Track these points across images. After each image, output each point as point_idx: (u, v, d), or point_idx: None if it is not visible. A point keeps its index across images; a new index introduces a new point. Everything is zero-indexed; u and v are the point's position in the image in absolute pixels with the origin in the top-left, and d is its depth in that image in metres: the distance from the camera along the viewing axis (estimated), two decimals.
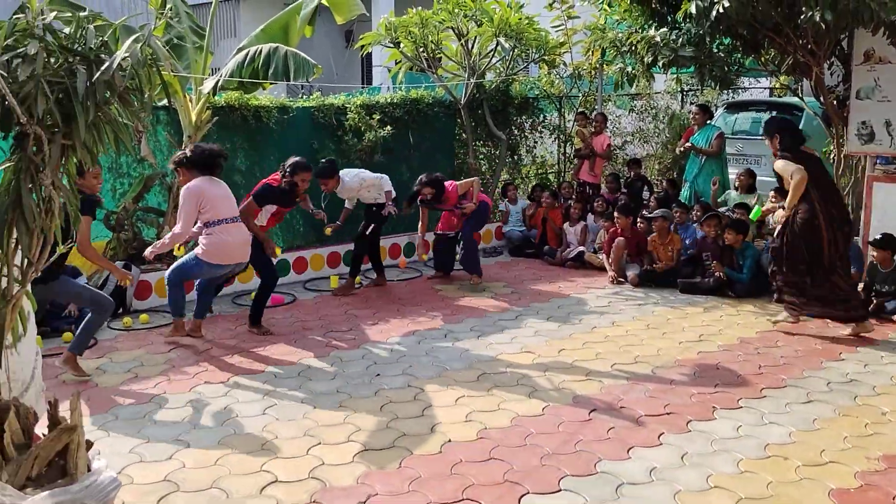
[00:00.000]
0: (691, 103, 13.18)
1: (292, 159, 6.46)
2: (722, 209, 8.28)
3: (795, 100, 9.13)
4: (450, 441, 4.16)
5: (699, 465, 3.85)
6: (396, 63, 9.85)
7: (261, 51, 6.77)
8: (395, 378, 5.14)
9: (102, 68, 2.46)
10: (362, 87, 16.94)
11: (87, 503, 2.52)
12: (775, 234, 6.25)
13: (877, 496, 3.55)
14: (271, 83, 6.98)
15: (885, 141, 7.21)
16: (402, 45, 9.31)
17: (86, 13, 2.63)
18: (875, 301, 6.47)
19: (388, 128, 8.74)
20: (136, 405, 4.69)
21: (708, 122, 9.28)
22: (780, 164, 6.07)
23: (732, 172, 9.16)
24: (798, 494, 3.57)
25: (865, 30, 6.68)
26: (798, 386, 4.95)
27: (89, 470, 2.69)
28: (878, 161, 7.35)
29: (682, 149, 9.32)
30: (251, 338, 6.07)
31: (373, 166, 8.83)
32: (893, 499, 3.53)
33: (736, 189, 8.65)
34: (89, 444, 2.82)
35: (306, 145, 8.54)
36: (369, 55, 18.85)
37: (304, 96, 9.62)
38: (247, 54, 6.83)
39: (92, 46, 2.52)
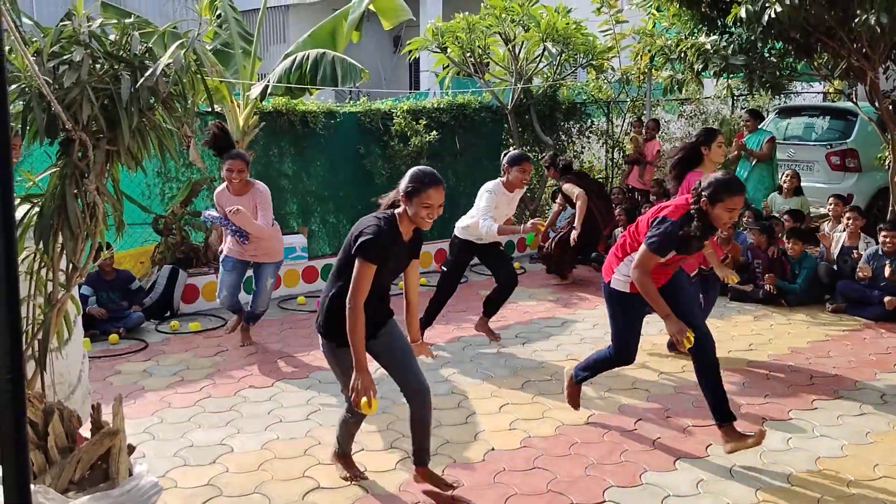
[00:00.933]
0: (742, 108, 12.93)
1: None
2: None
3: (849, 105, 8.86)
4: (493, 449, 4.12)
5: (748, 478, 3.73)
6: (444, 68, 9.86)
7: (308, 56, 6.83)
8: (439, 385, 5.10)
9: (146, 74, 2.49)
10: (410, 93, 17.02)
11: None
12: None
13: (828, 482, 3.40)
14: (319, 88, 7.04)
15: None
16: (448, 49, 9.32)
17: (131, 20, 2.67)
18: None
19: (435, 133, 8.74)
20: (181, 409, 4.74)
21: (759, 126, 9.08)
22: None
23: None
24: None
25: None
26: (851, 398, 4.77)
27: (131, 474, 2.71)
28: None
29: (734, 151, 9.10)
30: (296, 342, 6.10)
31: None
32: (847, 484, 3.37)
33: (781, 192, 8.42)
34: (131, 449, 2.85)
35: (352, 150, 8.60)
36: (417, 61, 18.94)
37: (352, 101, 9.69)
38: (294, 60, 6.91)
39: (136, 53, 2.56)
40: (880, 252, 6.62)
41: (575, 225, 7.17)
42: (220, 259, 5.92)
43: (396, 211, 3.49)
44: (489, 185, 5.86)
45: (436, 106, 9.28)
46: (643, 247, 3.91)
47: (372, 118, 8.71)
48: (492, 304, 5.98)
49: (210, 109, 7.11)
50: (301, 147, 8.26)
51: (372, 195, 8.69)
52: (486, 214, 5.65)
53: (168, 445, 4.21)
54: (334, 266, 3.53)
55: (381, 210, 3.54)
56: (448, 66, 9.67)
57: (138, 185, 7.35)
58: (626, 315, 4.20)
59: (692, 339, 3.84)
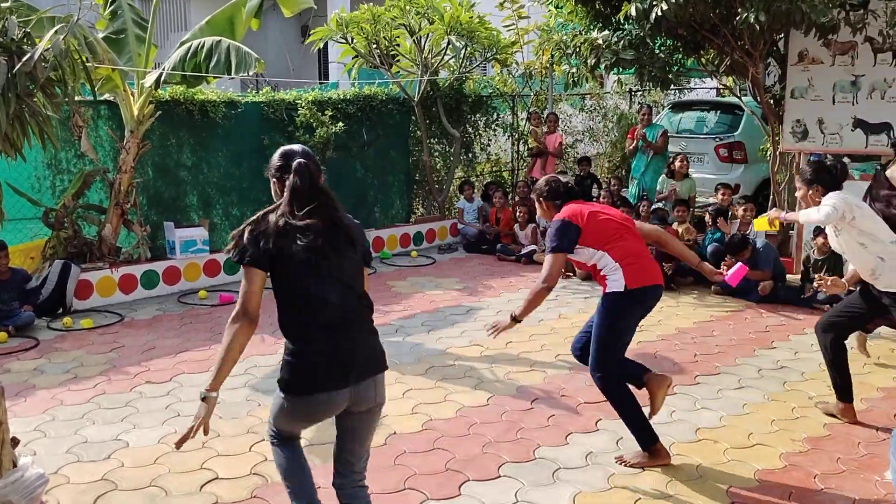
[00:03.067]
0: (639, 103, 13.44)
1: None
2: (658, 204, 8.48)
3: (735, 99, 9.37)
4: (395, 433, 4.20)
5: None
6: (352, 59, 9.84)
7: (203, 44, 6.70)
8: None
9: (23, 60, 2.44)
10: (318, 83, 16.86)
11: (11, 499, 2.50)
12: None
13: (799, 475, 3.68)
14: (215, 77, 6.91)
15: (817, 138, 7.45)
16: (354, 40, 9.30)
17: (8, 3, 2.60)
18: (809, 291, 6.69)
19: (341, 124, 8.72)
20: (74, 406, 4.62)
21: (653, 121, 9.51)
22: None
23: None
24: (725, 475, 3.69)
25: (798, 31, 6.89)
26: (730, 373, 5.10)
27: (15, 466, 2.66)
28: (811, 157, 7.57)
29: (633, 145, 9.46)
30: (196, 336, 6.01)
31: (326, 163, 8.83)
32: (814, 477, 3.66)
33: (672, 175, 8.82)
34: (15, 441, 2.79)
35: (256, 141, 8.48)
36: (326, 51, 18.78)
37: (255, 91, 9.55)
38: (189, 47, 6.76)
39: (14, 37, 2.50)
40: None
41: None
42: None
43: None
44: None
45: (342, 97, 9.26)
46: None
47: (276, 108, 8.62)
48: None
49: (100, 98, 6.87)
50: (200, 137, 8.09)
51: None
52: None
53: (60, 442, 4.11)
54: (355, 287, 2.74)
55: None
56: (355, 57, 9.66)
57: (28, 177, 7.05)
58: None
59: None
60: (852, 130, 7.29)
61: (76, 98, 2.82)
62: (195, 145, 8.07)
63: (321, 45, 9.73)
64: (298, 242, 2.56)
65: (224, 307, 6.85)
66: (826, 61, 7.29)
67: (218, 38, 6.84)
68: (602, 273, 3.82)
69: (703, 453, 3.92)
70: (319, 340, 2.62)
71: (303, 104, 8.67)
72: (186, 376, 5.12)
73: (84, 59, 2.58)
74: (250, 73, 6.75)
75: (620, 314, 3.76)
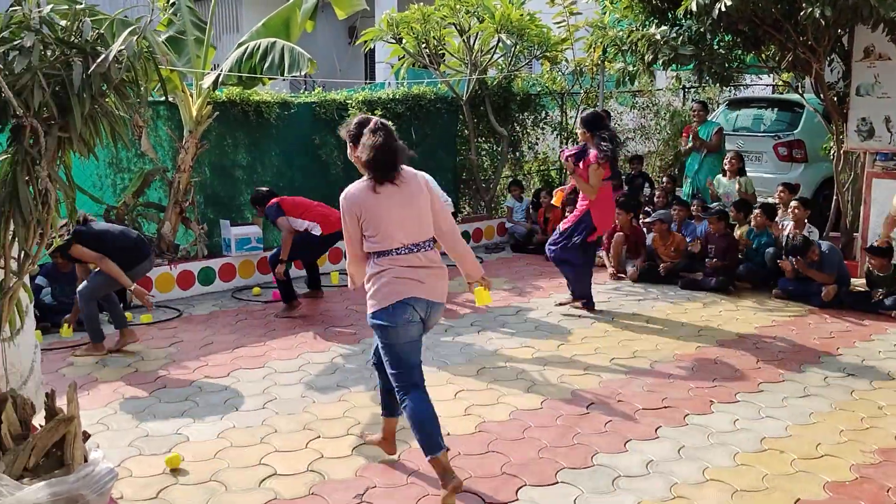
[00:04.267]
0: (692, 100, 13.20)
1: None
2: (715, 204, 8.28)
3: (796, 96, 9.13)
4: (448, 434, 4.17)
5: (695, 459, 3.86)
6: (399, 59, 9.86)
7: (259, 45, 6.78)
8: None
9: (98, 60, 2.47)
10: (365, 84, 16.96)
11: (83, 493, 2.54)
12: None
13: (871, 488, 3.56)
14: (270, 78, 6.99)
15: (884, 137, 7.21)
16: (403, 41, 9.32)
17: (82, 5, 2.64)
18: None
19: (390, 124, 8.71)
20: (135, 399, 4.71)
21: (707, 118, 9.31)
22: None
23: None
24: (793, 487, 3.58)
25: (865, 26, 6.68)
26: (795, 380, 4.96)
27: (86, 461, 2.70)
28: (877, 157, 7.36)
29: (687, 145, 9.28)
30: (252, 332, 6.08)
31: None
32: (888, 491, 3.54)
33: (725, 174, 8.64)
34: (86, 436, 2.84)
35: (308, 141, 8.56)
36: (373, 51, 18.83)
37: (307, 92, 9.63)
38: (245, 49, 6.85)
39: (88, 39, 2.54)
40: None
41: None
42: None
43: None
44: None
45: (391, 97, 9.29)
46: None
47: (327, 109, 8.68)
48: None
49: (164, 98, 7.00)
50: (255, 137, 8.20)
51: (328, 185, 8.71)
52: None
53: (122, 435, 4.19)
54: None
55: None
56: (403, 57, 9.68)
57: (90, 175, 7.23)
58: None
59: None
60: None
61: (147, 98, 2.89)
62: (250, 145, 8.18)
63: (371, 47, 9.78)
64: None
65: (275, 303, 6.91)
66: (894, 57, 7.05)
67: (273, 39, 6.91)
68: None
69: (769, 464, 3.82)
70: None
71: (353, 104, 8.71)
72: (243, 371, 5.18)
73: (156, 60, 2.61)
74: (302, 74, 6.81)
75: None
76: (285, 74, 6.74)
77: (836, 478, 3.66)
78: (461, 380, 5.00)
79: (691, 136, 9.11)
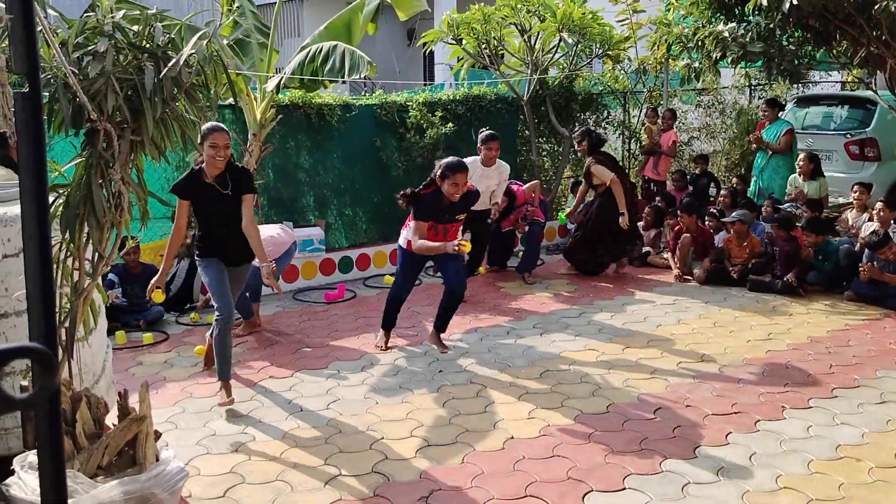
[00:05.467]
0: (759, 98, 12.83)
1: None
2: (786, 205, 8.01)
3: (869, 93, 8.78)
4: (512, 438, 4.13)
5: (768, 466, 3.73)
6: (459, 60, 9.84)
7: (321, 49, 6.85)
8: (457, 374, 5.13)
9: (170, 64, 2.52)
10: (425, 85, 17.01)
11: (154, 492, 2.58)
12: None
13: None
14: (331, 81, 7.05)
15: None
16: (464, 41, 9.30)
17: (153, 11, 2.69)
18: None
19: (450, 125, 8.74)
20: (203, 399, 4.79)
21: (779, 116, 9.02)
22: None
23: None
24: (871, 496, 3.43)
25: None
26: (871, 386, 4.75)
27: (157, 460, 2.75)
28: None
29: (753, 143, 9.04)
30: (315, 333, 6.14)
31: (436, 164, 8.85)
32: None
33: (799, 175, 8.35)
34: (157, 435, 2.89)
35: (369, 143, 8.61)
36: (431, 53, 18.84)
37: (367, 94, 9.70)
38: (308, 52, 6.92)
39: (159, 43, 2.58)
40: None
41: (621, 210, 7.41)
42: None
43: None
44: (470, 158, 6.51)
45: (451, 98, 9.27)
46: (413, 221, 5.43)
47: (388, 111, 8.72)
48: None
49: (234, 102, 7.13)
50: (317, 140, 8.28)
51: (388, 187, 8.75)
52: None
53: (190, 434, 4.26)
54: None
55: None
56: (463, 57, 9.65)
57: (158, 178, 7.41)
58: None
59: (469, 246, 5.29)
60: None
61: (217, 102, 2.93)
62: (312, 147, 8.27)
63: (432, 48, 9.79)
64: None
65: (337, 304, 6.97)
66: None
67: (335, 42, 6.97)
68: None
69: (846, 472, 3.66)
70: None
71: (413, 106, 8.73)
72: (307, 372, 5.23)
73: (225, 64, 2.64)
74: (362, 76, 6.85)
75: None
76: (346, 77, 6.79)
77: None
78: (524, 382, 4.94)
79: (752, 138, 8.86)
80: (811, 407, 4.45)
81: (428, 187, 5.40)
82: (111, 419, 3.04)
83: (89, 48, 2.53)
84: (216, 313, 4.64)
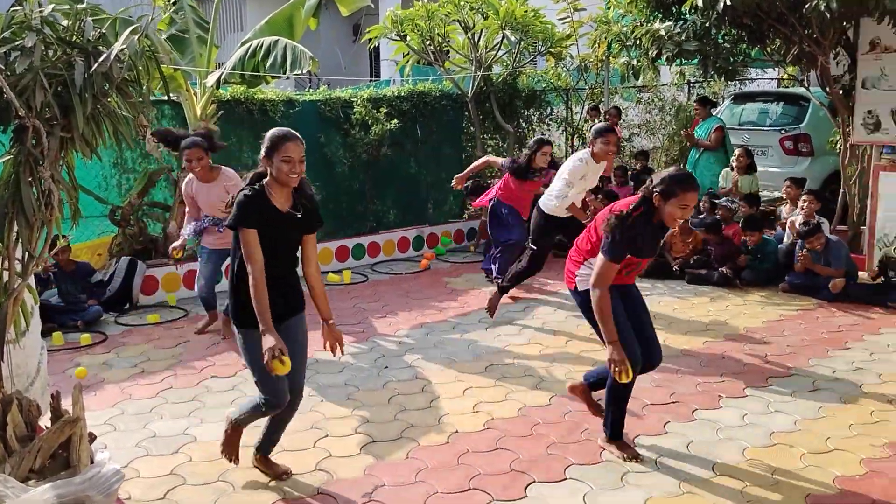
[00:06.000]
0: (697, 95, 13.13)
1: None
2: (723, 199, 8.23)
3: (802, 90, 9.07)
4: (457, 432, 4.17)
5: (705, 454, 3.84)
6: (404, 56, 9.85)
7: (262, 44, 6.78)
8: (402, 370, 5.14)
9: (100, 60, 2.47)
10: (371, 81, 16.96)
11: (89, 494, 2.54)
12: None
13: (882, 483, 3.53)
14: (274, 77, 6.99)
15: (891, 130, 7.15)
16: (408, 38, 9.31)
17: (83, 5, 2.63)
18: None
19: (395, 121, 8.74)
20: (142, 400, 4.71)
21: (711, 114, 9.27)
22: None
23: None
24: (803, 483, 3.55)
25: (871, 19, 6.63)
26: (804, 375, 4.92)
27: (92, 462, 2.70)
28: (883, 150, 7.30)
29: (686, 139, 9.34)
30: None
31: (380, 160, 8.85)
32: None
33: (734, 169, 8.61)
34: (92, 437, 2.83)
35: (313, 139, 8.55)
36: (377, 49, 18.84)
37: (311, 90, 9.63)
38: (249, 47, 6.85)
39: (90, 38, 2.53)
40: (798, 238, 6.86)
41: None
42: (197, 250, 5.82)
43: (265, 181, 3.42)
44: (580, 153, 6.27)
45: (396, 94, 9.28)
46: (600, 258, 3.68)
47: (332, 107, 8.68)
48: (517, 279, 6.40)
49: (166, 97, 7.01)
50: (260, 136, 8.15)
51: (333, 184, 8.71)
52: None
53: (130, 436, 4.18)
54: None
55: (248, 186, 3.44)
56: (408, 54, 9.66)
57: (95, 176, 7.24)
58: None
59: (631, 375, 3.65)
60: None
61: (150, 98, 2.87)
62: (255, 143, 8.13)
63: (376, 44, 9.77)
64: None
65: None
66: None
67: (276, 37, 6.91)
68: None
69: (779, 458, 3.79)
70: None
71: (358, 102, 8.71)
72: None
73: (158, 59, 2.60)
74: (304, 72, 6.81)
75: None
76: (287, 72, 6.74)
77: (847, 472, 3.63)
78: (469, 377, 4.98)
79: (684, 134, 9.14)
80: (746, 396, 4.59)
81: (637, 208, 3.69)
82: (45, 422, 2.97)
83: (16, 43, 2.47)
84: (263, 398, 3.57)
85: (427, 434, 4.15)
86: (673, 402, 4.50)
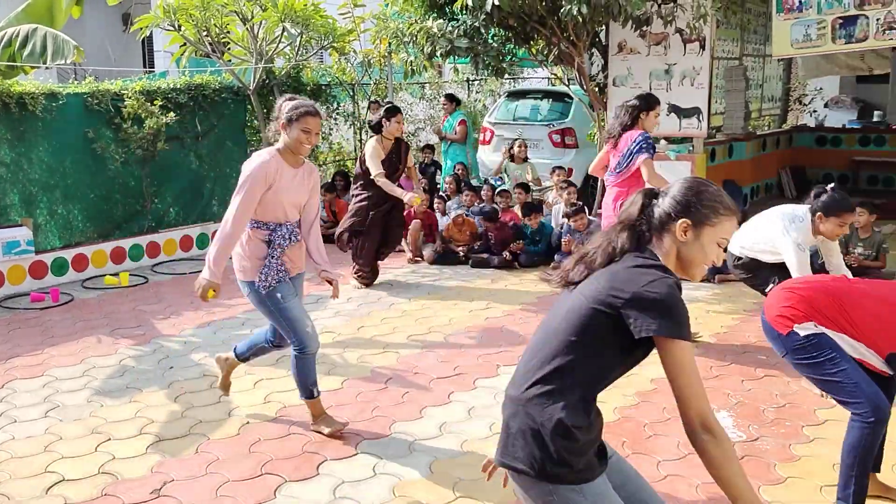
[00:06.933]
0: (477, 92, 13.87)
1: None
2: (495, 181, 8.88)
3: (564, 88, 9.91)
4: (248, 423, 4.18)
5: (484, 417, 4.16)
6: (180, 47, 9.46)
7: (18, 32, 6.28)
8: (189, 369, 5.03)
9: None
10: (144, 73, 16.06)
11: None
12: None
13: (631, 426, 4.04)
14: (33, 67, 6.48)
15: None
16: (183, 28, 8.97)
17: None
18: None
19: (172, 114, 8.41)
20: None
21: (457, 109, 10.30)
22: None
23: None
24: None
25: (617, 23, 7.40)
26: None
27: None
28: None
29: (435, 133, 10.21)
30: (28, 341, 5.65)
31: (157, 155, 8.47)
32: (644, 426, 4.03)
33: (513, 159, 9.30)
34: None
35: (80, 134, 8.02)
36: (151, 39, 17.86)
37: (77, 82, 8.99)
38: (3, 35, 6.30)
39: None
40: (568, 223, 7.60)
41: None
42: (270, 290, 3.94)
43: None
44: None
45: (172, 86, 8.91)
46: None
47: (101, 99, 8.17)
48: None
49: None
50: (19, 132, 7.54)
51: (106, 181, 8.21)
52: None
53: None
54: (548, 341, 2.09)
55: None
56: (184, 45, 9.31)
57: None
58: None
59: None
60: (667, 115, 7.92)
61: None
62: (13, 140, 7.52)
63: (147, 34, 9.31)
64: None
65: (52, 309, 6.45)
66: (643, 51, 7.89)
67: (35, 25, 6.42)
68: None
69: None
70: None
71: (130, 94, 8.27)
72: (20, 382, 4.82)
73: None
74: (68, 62, 6.40)
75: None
76: (48, 63, 6.29)
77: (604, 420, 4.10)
78: (259, 369, 4.97)
79: (434, 130, 9.99)
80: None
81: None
82: None
83: None
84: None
85: (217, 428, 4.12)
86: (457, 375, 4.81)
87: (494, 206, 8.32)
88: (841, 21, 6.89)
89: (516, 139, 9.67)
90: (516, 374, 2.15)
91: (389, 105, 7.07)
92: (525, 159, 9.33)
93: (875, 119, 13.11)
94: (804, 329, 3.02)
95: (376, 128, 6.89)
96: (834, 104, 14.17)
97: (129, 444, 3.93)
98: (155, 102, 8.35)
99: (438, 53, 7.67)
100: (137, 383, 4.80)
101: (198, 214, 9.24)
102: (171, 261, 8.20)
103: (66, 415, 4.31)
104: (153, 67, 18.50)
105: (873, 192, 10.28)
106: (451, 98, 10.41)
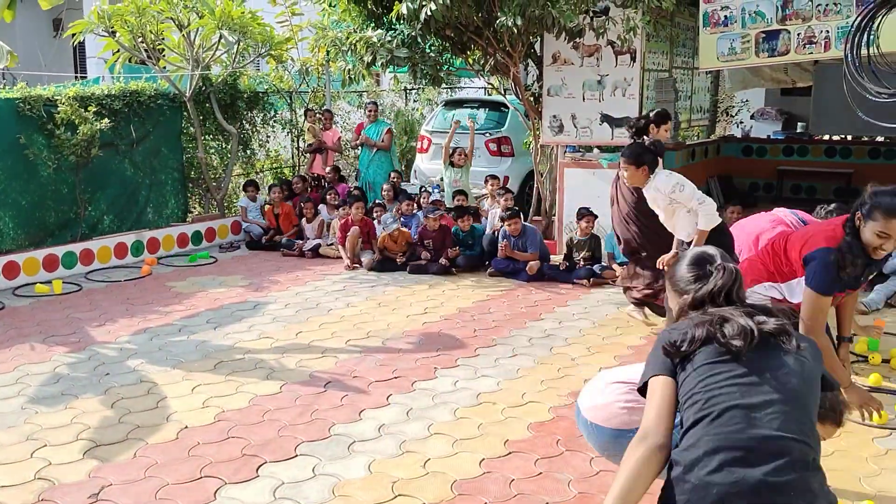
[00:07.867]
0: (414, 101, 14.02)
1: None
2: (433, 189, 9.03)
3: (500, 97, 10.13)
4: (186, 427, 4.19)
5: (422, 418, 4.27)
6: (113, 53, 9.33)
7: None
8: (125, 375, 5.00)
9: None
10: (76, 79, 15.70)
11: None
12: None
13: (564, 424, 4.20)
14: None
15: (571, 132, 8.32)
16: (117, 34, 8.85)
17: None
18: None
19: (106, 120, 8.29)
20: None
21: (379, 118, 10.56)
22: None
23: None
24: (503, 431, 4.12)
25: (550, 34, 7.64)
26: (506, 343, 5.61)
27: None
28: (567, 150, 8.45)
29: (355, 144, 10.34)
30: None
31: (91, 161, 8.34)
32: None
33: (453, 165, 9.45)
34: None
35: (12, 140, 7.84)
36: (83, 45, 17.48)
37: (7, 87, 8.77)
38: None
39: None
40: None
41: None
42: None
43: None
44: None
45: (106, 92, 8.79)
46: (808, 293, 3.22)
47: (33, 105, 8.01)
48: None
49: None
50: None
51: (38, 187, 8.05)
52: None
53: None
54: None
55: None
56: (118, 51, 9.18)
57: None
58: None
59: (884, 414, 3.10)
60: (600, 124, 8.20)
61: None
62: None
63: (80, 39, 9.15)
64: None
65: None
66: (576, 62, 8.14)
67: None
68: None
69: (484, 414, 4.33)
70: None
71: (63, 100, 8.13)
72: None
73: None
74: (1, 67, 6.28)
75: None
76: None
77: (538, 419, 4.26)
78: (197, 375, 4.99)
79: (356, 139, 10.10)
80: (458, 365, 5.14)
81: (853, 228, 3.33)
82: None
83: None
84: None
85: (156, 433, 4.12)
86: (395, 378, 4.90)
87: (460, 203, 8.57)
88: (764, 35, 7.23)
89: (456, 147, 9.78)
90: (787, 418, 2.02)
91: None
92: (461, 166, 9.48)
93: (798, 130, 13.73)
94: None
95: None
96: (760, 116, 14.78)
97: (66, 450, 3.91)
98: (89, 108, 8.22)
99: (378, 63, 7.78)
100: (73, 390, 4.75)
101: (132, 222, 9.12)
102: (105, 268, 8.08)
103: (0, 422, 4.25)
104: (85, 73, 18.11)
105: (797, 201, 10.80)
106: (375, 105, 10.64)
